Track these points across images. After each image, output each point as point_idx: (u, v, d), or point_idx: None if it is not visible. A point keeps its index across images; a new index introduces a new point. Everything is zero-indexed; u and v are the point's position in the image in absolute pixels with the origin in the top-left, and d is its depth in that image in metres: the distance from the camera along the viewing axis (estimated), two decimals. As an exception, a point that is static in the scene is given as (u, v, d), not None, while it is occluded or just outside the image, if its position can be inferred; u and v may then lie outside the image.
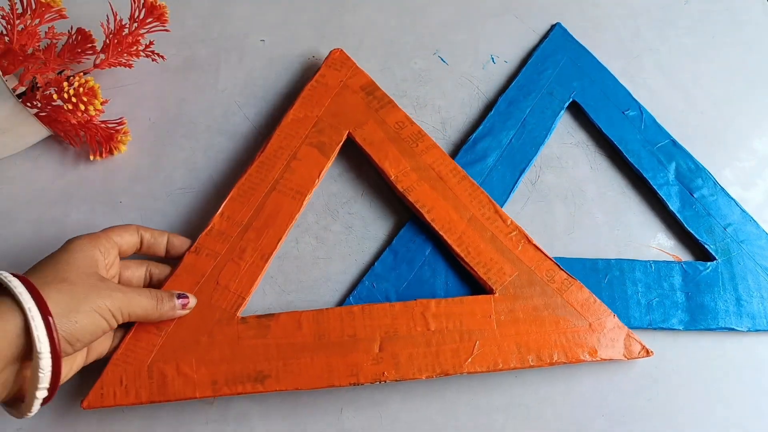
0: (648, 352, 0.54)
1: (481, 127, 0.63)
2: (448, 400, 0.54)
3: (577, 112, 0.66)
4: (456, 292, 0.56)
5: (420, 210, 0.57)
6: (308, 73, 0.66)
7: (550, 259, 0.56)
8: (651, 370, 0.56)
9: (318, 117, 0.60)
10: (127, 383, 0.48)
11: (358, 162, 0.62)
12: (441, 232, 0.56)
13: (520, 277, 0.55)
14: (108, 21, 0.61)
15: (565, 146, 0.64)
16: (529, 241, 0.56)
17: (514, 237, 0.56)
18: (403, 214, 0.61)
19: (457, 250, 0.55)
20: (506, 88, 0.66)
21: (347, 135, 0.60)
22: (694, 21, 0.73)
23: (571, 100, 0.65)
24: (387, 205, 0.61)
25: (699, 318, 0.56)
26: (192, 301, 0.50)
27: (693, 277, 0.57)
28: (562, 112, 0.64)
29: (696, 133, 0.65)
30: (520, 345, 0.52)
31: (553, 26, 0.70)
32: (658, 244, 0.60)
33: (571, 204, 0.61)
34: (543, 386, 0.55)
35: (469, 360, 0.51)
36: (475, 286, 0.57)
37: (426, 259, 0.57)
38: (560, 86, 0.65)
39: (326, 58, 0.64)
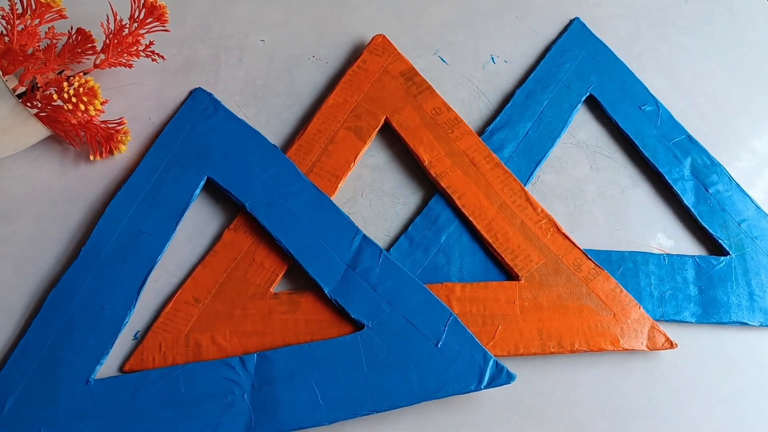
0: (672, 345, 0.55)
1: (498, 119, 0.64)
2: (448, 400, 0.54)
3: (594, 106, 0.67)
4: (470, 279, 0.57)
5: (451, 195, 0.59)
6: (308, 73, 0.67)
7: (578, 248, 0.58)
8: (651, 370, 0.56)
9: (357, 102, 0.63)
10: (165, 350, 0.53)
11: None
12: (471, 218, 0.58)
13: (547, 265, 0.57)
14: (108, 21, 0.61)
15: (565, 146, 0.65)
16: (558, 230, 0.58)
17: (543, 225, 0.58)
18: (403, 214, 0.61)
19: (486, 236, 0.58)
20: (506, 87, 0.67)
21: (384, 120, 0.63)
22: (694, 21, 0.74)
23: (588, 94, 0.66)
24: (387, 205, 0.61)
25: (711, 311, 0.57)
26: None
27: (706, 271, 0.59)
28: (580, 105, 0.66)
29: (696, 133, 0.66)
30: (542, 331, 0.54)
31: (571, 21, 0.71)
32: (658, 244, 0.61)
33: (571, 204, 0.62)
34: (543, 385, 0.55)
35: (491, 344, 0.54)
36: (491, 274, 0.58)
37: (441, 247, 0.58)
38: (578, 80, 0.67)
39: (368, 43, 0.66)
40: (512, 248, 0.57)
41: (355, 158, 0.61)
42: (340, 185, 0.60)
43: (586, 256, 0.57)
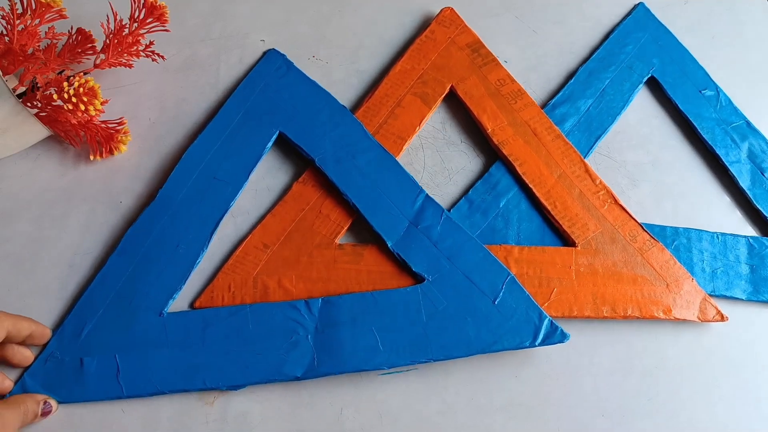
0: (723, 317, 0.64)
1: (560, 94, 0.76)
2: (448, 400, 0.62)
3: (654, 87, 0.79)
4: (527, 243, 0.69)
5: (513, 163, 0.69)
6: (308, 73, 0.78)
7: (634, 219, 0.68)
8: (651, 369, 0.65)
9: (424, 69, 0.76)
10: (234, 290, 0.66)
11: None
12: (531, 185, 0.69)
13: (603, 234, 0.67)
14: (108, 21, 0.69)
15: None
16: (616, 202, 0.69)
17: (601, 196, 0.70)
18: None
19: (545, 203, 0.69)
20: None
21: (450, 88, 0.74)
22: (694, 21, 0.85)
23: (649, 75, 0.78)
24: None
25: (762, 290, 0.68)
26: (54, 408, 0.61)
27: (759, 251, 0.70)
28: (641, 86, 0.78)
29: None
30: (597, 296, 0.65)
31: (635, 6, 0.84)
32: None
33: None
34: (543, 386, 0.63)
35: (546, 304, 0.64)
36: (547, 239, 0.70)
37: (500, 211, 0.70)
38: (640, 61, 0.79)
39: (437, 15, 0.78)
40: (570, 216, 0.69)
41: (421, 122, 0.73)
42: (405, 147, 0.72)
43: (642, 228, 0.68)
